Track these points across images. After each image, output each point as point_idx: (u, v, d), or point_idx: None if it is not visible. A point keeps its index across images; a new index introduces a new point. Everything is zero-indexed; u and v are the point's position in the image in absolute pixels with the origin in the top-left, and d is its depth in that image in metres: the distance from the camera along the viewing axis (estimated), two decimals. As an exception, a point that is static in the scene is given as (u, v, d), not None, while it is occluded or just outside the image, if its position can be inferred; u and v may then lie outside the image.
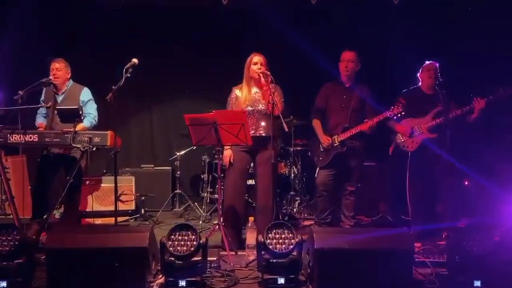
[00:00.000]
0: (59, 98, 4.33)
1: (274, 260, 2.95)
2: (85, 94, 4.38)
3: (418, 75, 4.25)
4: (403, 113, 3.93)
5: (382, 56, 5.31)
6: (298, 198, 5.35)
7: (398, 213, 4.86)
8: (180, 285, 2.87)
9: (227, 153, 3.93)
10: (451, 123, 3.95)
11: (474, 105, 3.88)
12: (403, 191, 4.09)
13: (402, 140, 4.13)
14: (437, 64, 4.14)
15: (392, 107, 3.97)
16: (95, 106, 4.39)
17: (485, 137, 4.61)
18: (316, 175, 4.37)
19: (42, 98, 4.39)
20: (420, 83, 4.24)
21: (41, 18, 5.36)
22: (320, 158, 4.28)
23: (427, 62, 4.20)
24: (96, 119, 4.35)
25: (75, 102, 4.23)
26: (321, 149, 4.27)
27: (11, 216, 3.92)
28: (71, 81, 4.40)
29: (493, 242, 2.98)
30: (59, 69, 4.28)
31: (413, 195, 4.02)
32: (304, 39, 5.06)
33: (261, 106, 3.90)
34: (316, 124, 4.36)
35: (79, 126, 3.89)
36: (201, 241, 2.97)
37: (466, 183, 4.74)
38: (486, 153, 4.53)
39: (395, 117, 3.97)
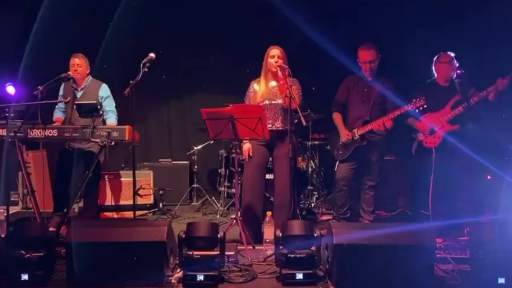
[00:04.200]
0: (78, 94, 4.35)
1: (292, 255, 2.93)
2: (104, 90, 4.39)
3: (432, 67, 4.13)
4: (425, 106, 3.83)
5: (401, 48, 5.19)
6: (316, 193, 5.31)
7: (418, 207, 4.77)
8: (198, 279, 2.87)
9: (246, 147, 3.90)
10: (472, 111, 3.83)
11: (495, 86, 3.75)
12: (422, 186, 4.01)
13: (424, 137, 4.04)
14: (453, 54, 4.02)
15: (414, 100, 3.87)
16: (114, 102, 4.41)
17: (507, 129, 4.48)
18: (336, 169, 4.32)
19: (61, 93, 4.42)
20: (435, 76, 4.13)
21: (59, 13, 5.39)
22: (340, 152, 4.23)
23: (442, 53, 4.07)
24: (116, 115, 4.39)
25: (94, 98, 4.24)
26: (340, 143, 4.21)
27: (32, 210, 3.98)
28: (90, 77, 4.41)
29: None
30: (79, 64, 4.30)
31: (436, 190, 3.93)
32: (323, 31, 4.98)
33: (278, 100, 3.86)
34: (337, 117, 4.30)
35: (109, 124, 3.94)
36: (219, 236, 2.96)
37: (489, 177, 4.62)
38: (509, 147, 4.40)
39: (417, 110, 3.87)
